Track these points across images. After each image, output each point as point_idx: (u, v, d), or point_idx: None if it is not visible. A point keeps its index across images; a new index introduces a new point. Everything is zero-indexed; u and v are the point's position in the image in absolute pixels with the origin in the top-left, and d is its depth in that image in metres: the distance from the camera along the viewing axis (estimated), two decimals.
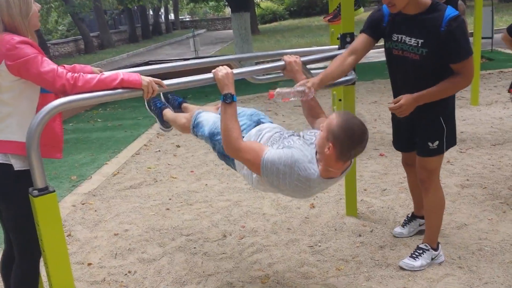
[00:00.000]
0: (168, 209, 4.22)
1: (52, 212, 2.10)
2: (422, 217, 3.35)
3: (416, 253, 3.07)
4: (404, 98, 2.74)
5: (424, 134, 2.94)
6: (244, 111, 2.78)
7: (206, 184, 4.73)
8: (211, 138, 2.73)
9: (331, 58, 3.07)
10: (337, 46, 3.50)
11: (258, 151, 2.29)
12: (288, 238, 3.57)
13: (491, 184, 4.20)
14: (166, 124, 3.27)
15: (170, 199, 4.44)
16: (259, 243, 3.54)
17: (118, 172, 5.26)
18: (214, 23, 40.67)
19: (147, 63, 13.01)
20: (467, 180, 4.35)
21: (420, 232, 3.41)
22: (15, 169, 2.23)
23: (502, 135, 5.47)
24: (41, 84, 2.18)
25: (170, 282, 3.11)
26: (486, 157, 4.86)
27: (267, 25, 33.79)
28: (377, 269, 3.06)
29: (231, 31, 16.60)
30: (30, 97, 2.24)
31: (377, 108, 7.33)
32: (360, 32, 2.96)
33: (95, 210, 4.31)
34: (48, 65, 2.12)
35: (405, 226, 3.49)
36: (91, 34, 25.49)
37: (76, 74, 2.11)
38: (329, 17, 4.90)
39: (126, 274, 3.24)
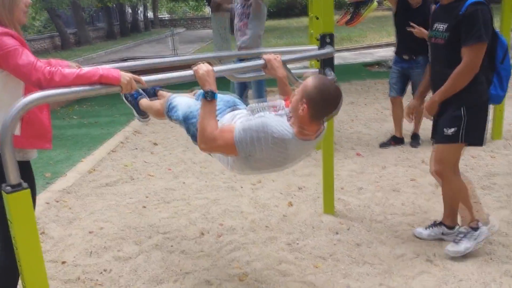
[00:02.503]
0: (144, 207, 4.17)
1: (25, 210, 2.04)
2: (448, 227, 3.34)
3: (458, 238, 3.11)
4: (426, 103, 3.03)
5: (444, 121, 3.01)
6: (221, 97, 2.78)
7: (184, 182, 4.69)
8: (185, 120, 2.72)
9: (310, 57, 3.08)
10: (316, 46, 3.52)
11: (229, 130, 2.30)
12: (266, 236, 3.57)
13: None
14: (142, 114, 3.26)
15: (147, 197, 4.40)
16: (237, 241, 3.53)
17: (93, 170, 5.18)
18: (193, 22, 40.50)
19: (124, 61, 12.85)
20: None
21: (439, 239, 3.33)
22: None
23: None
24: (18, 77, 2.13)
25: (146, 280, 3.07)
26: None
27: None
28: (354, 267, 3.09)
29: (210, 30, 16.53)
30: (13, 90, 2.19)
31: (354, 109, 7.40)
32: None
33: (70, 208, 4.23)
34: (27, 57, 2.07)
35: (427, 229, 3.40)
36: (68, 31, 25.06)
37: (53, 69, 2.07)
38: (344, 20, 4.90)
39: (101, 273, 3.19)
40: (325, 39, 3.42)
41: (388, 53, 13.73)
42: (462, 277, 2.89)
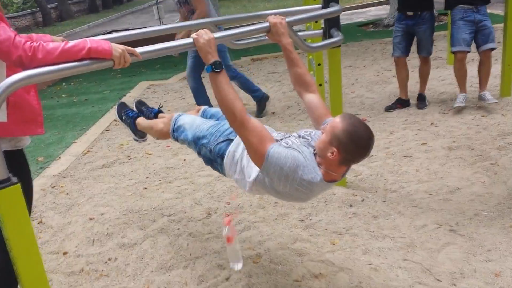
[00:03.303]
0: (146, 188, 3.96)
1: (16, 206, 1.83)
2: None
3: None
4: None
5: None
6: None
7: (185, 159, 4.47)
8: (196, 142, 2.52)
9: (316, 18, 2.83)
10: (319, 5, 3.25)
11: (264, 137, 2.05)
12: (276, 213, 3.38)
13: (479, 145, 4.10)
14: (140, 134, 3.07)
15: (147, 177, 4.18)
16: (247, 219, 3.35)
17: (88, 151, 4.94)
18: None
19: (109, 34, 12.33)
20: (454, 142, 4.23)
21: None
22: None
23: None
24: None
25: (154, 268, 2.89)
26: (470, 117, 4.75)
27: None
28: (373, 241, 2.92)
29: None
30: None
31: (353, 72, 7.14)
32: None
33: (67, 193, 4.02)
34: (4, 32, 1.81)
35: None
36: (49, 6, 24.23)
37: (35, 44, 1.81)
38: None
39: (106, 262, 3.01)
40: None
41: (381, 11, 13.36)
42: (490, 247, 2.73)
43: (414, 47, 5.19)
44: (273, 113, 5.60)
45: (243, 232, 3.20)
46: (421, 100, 5.25)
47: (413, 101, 5.37)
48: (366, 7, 15.14)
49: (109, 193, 3.93)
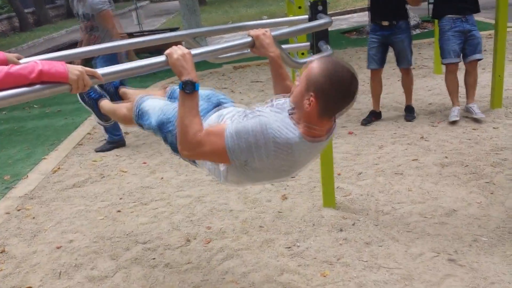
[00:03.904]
0: (119, 211, 3.67)
1: None
2: None
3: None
4: None
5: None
6: (201, 93, 2.26)
7: (162, 178, 4.18)
8: (161, 128, 2.22)
9: (305, 31, 2.59)
10: (306, 16, 3.01)
11: (218, 132, 1.81)
12: (261, 239, 3.12)
13: (472, 161, 3.90)
14: (104, 117, 2.75)
15: (121, 198, 3.88)
16: (229, 247, 3.08)
17: (58, 168, 4.62)
18: None
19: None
20: (446, 157, 4.04)
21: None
22: None
23: None
24: None
25: None
26: (460, 130, 4.57)
27: None
28: (368, 273, 2.68)
29: (176, 2, 15.69)
30: None
31: None
32: None
33: (33, 217, 3.70)
34: None
35: None
36: (26, 10, 23.63)
37: None
38: None
39: None
40: (317, 7, 2.92)
41: (363, 18, 13.25)
42: (493, 279, 2.51)
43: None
44: None
45: (225, 261, 2.94)
46: (409, 112, 5.06)
47: (400, 112, 5.19)
48: (349, 13, 15.03)
49: (79, 217, 3.63)
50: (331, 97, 1.73)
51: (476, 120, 4.68)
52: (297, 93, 1.80)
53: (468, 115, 4.78)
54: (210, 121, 2.06)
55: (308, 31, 2.58)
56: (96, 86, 2.77)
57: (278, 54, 2.15)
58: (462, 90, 4.98)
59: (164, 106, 2.25)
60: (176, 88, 2.48)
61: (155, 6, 31.39)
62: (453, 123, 4.68)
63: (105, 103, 2.67)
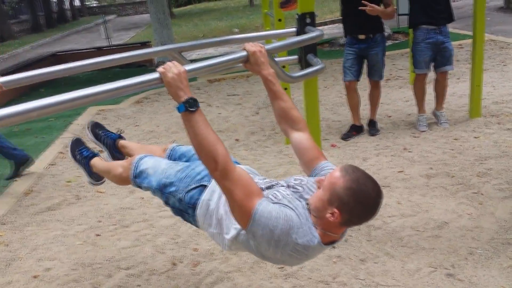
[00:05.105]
0: (98, 235, 3.47)
1: None
2: None
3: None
4: None
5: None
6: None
7: (142, 198, 4.00)
8: (162, 190, 2.12)
9: (297, 44, 2.51)
10: (294, 29, 2.95)
11: (252, 191, 1.67)
12: (252, 260, 2.99)
13: (458, 171, 3.89)
14: (96, 177, 2.65)
15: (99, 221, 3.68)
16: (219, 269, 2.94)
17: (31, 191, 4.37)
18: (124, 8, 38.50)
19: (54, 55, 11.63)
20: (431, 168, 4.01)
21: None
22: None
23: (451, 114, 5.24)
24: None
25: None
26: (442, 141, 4.57)
27: (182, 8, 32.63)
28: None
29: (144, 15, 15.51)
30: None
31: None
32: None
33: (7, 245, 3.46)
34: None
35: None
36: None
37: None
38: (281, 2, 4.42)
39: None
40: (305, 20, 2.87)
41: (333, 30, 13.39)
42: None
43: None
44: (236, 139, 5.23)
45: (215, 285, 2.80)
46: (373, 126, 5.04)
47: (380, 123, 5.17)
48: (320, 26, 15.16)
49: (56, 243, 3.42)
50: (356, 213, 1.65)
51: (456, 130, 4.72)
52: (319, 201, 1.68)
53: (434, 120, 5.06)
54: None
55: (300, 44, 2.51)
56: (88, 131, 2.74)
57: (272, 73, 2.04)
58: (429, 97, 5.09)
59: (166, 168, 2.14)
60: (175, 146, 2.42)
61: (123, 20, 31.08)
62: (423, 132, 4.86)
63: (98, 162, 2.57)
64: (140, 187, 2.27)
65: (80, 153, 2.67)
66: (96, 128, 2.77)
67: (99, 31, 14.55)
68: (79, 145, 2.73)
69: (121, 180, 2.39)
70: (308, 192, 1.79)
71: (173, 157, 2.38)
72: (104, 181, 2.70)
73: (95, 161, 2.60)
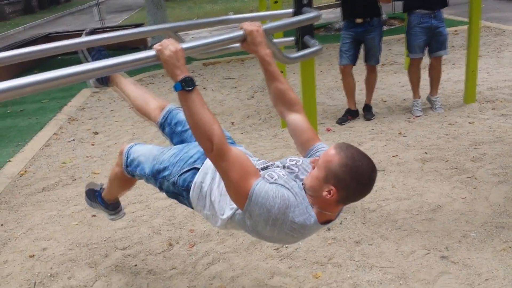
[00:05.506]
0: (94, 215, 3.48)
1: None
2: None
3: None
4: None
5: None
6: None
7: None
8: (156, 176, 2.11)
9: (295, 25, 2.49)
10: (291, 10, 2.93)
11: (248, 171, 1.67)
12: (248, 241, 3.01)
13: (452, 156, 3.92)
14: (112, 207, 2.71)
15: None
16: (215, 250, 2.96)
17: (25, 171, 4.36)
18: None
19: (46, 36, 11.48)
20: (426, 153, 4.04)
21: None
22: None
23: (446, 100, 5.26)
24: None
25: None
26: (437, 126, 4.60)
27: None
28: (361, 273, 2.62)
29: None
30: None
31: None
32: None
33: (2, 225, 3.46)
34: None
35: None
36: None
37: None
38: None
39: None
40: (302, 1, 2.84)
41: (329, 15, 13.29)
42: (487, 275, 2.50)
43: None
44: (232, 123, 5.22)
45: (212, 265, 2.82)
46: (368, 111, 5.05)
47: (376, 108, 5.18)
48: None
49: (52, 223, 3.42)
50: (352, 190, 1.66)
51: (450, 115, 4.74)
52: (314, 180, 1.69)
53: (429, 105, 5.08)
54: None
55: (298, 24, 2.49)
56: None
57: (268, 53, 2.03)
58: (425, 82, 5.10)
59: (158, 155, 2.13)
60: (174, 109, 2.37)
61: (116, 2, 30.67)
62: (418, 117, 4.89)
63: (105, 189, 2.62)
64: (133, 175, 2.27)
65: (93, 196, 2.71)
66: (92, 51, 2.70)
67: (92, 13, 14.36)
68: (93, 193, 2.74)
69: (122, 179, 2.39)
70: (303, 173, 1.80)
71: (168, 121, 2.33)
72: (120, 209, 2.74)
73: (104, 192, 2.64)
